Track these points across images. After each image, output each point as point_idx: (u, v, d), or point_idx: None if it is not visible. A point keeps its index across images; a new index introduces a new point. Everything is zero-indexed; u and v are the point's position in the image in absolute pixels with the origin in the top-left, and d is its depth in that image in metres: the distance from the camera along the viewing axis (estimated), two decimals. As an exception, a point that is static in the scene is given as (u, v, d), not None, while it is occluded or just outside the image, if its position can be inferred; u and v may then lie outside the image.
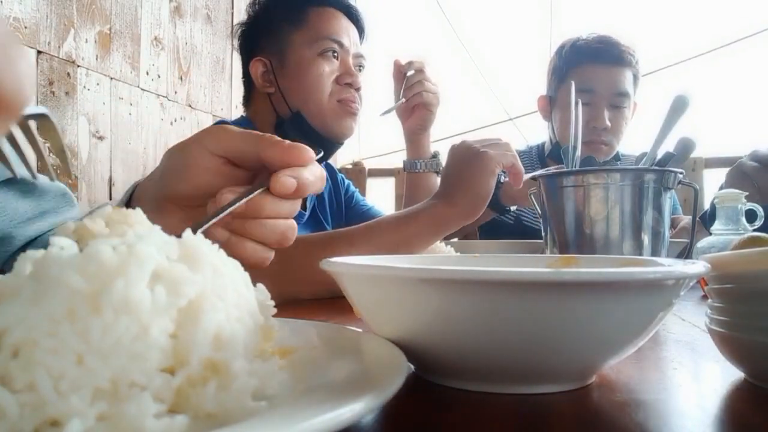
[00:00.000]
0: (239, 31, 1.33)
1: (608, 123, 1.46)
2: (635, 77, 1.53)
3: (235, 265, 0.28)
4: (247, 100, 1.33)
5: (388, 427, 0.28)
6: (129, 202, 0.49)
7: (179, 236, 0.26)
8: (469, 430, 0.27)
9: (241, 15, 2.38)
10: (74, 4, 1.62)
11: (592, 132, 1.46)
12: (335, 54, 1.21)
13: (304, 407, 0.23)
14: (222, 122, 1.36)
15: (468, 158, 0.88)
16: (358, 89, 1.24)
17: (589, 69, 1.49)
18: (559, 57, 1.58)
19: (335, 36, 1.21)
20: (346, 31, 1.24)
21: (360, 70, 1.27)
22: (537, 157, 1.61)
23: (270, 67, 1.24)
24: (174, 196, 0.44)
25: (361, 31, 1.29)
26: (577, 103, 0.87)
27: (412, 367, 0.36)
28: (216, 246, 0.27)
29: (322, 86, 1.20)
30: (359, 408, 0.21)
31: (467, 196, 0.83)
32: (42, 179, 0.65)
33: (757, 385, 0.34)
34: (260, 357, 0.27)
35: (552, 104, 1.59)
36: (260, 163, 0.41)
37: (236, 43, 1.34)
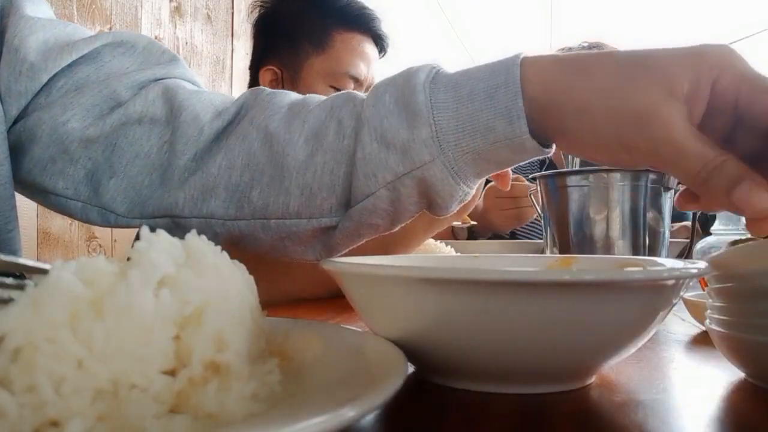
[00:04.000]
0: (257, 20, 1.24)
1: None
2: None
3: (238, 268, 0.28)
4: None
5: (388, 427, 0.28)
6: None
7: None
8: (469, 430, 0.27)
9: (241, 15, 2.38)
10: (74, 4, 1.62)
11: None
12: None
13: (304, 407, 0.23)
14: None
15: None
16: None
17: None
18: None
19: (354, 73, 1.15)
20: (368, 63, 1.18)
21: None
22: (538, 160, 1.61)
23: (281, 80, 1.19)
24: None
25: (382, 51, 1.22)
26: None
27: (412, 367, 0.36)
28: (218, 248, 0.27)
29: None
30: (359, 408, 0.21)
31: None
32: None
33: (757, 385, 0.34)
34: (261, 358, 0.27)
35: None
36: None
37: (251, 25, 1.26)
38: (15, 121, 0.48)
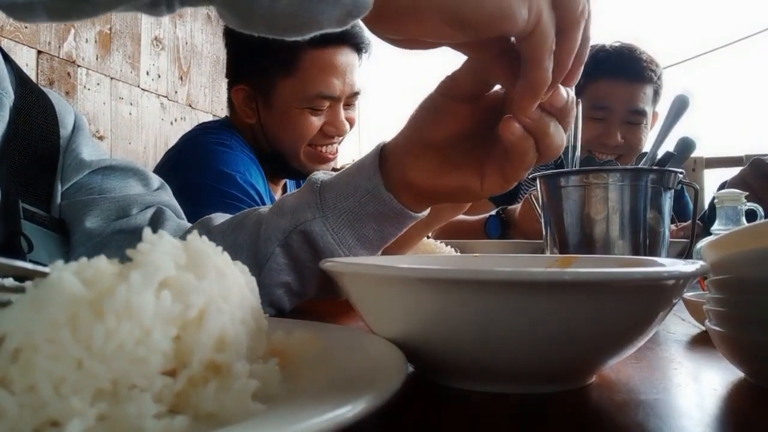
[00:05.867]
0: (224, 32, 1.23)
1: (620, 140, 1.41)
2: (656, 92, 1.46)
3: (239, 269, 0.28)
4: (231, 108, 1.25)
5: (388, 427, 0.28)
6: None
7: None
8: (469, 430, 0.27)
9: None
10: (74, 4, 1.61)
11: (602, 147, 1.42)
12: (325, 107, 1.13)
13: (304, 407, 0.23)
14: (206, 125, 1.30)
15: None
16: (342, 135, 1.18)
17: (606, 84, 1.41)
18: None
19: (327, 92, 1.11)
20: (344, 74, 1.12)
21: (353, 102, 1.19)
22: None
23: (254, 99, 1.16)
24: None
25: (364, 52, 1.17)
26: (578, 103, 0.87)
27: (412, 367, 0.36)
28: (220, 248, 0.27)
29: (304, 138, 1.14)
30: (359, 408, 0.21)
31: None
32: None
33: (757, 385, 0.34)
34: (261, 358, 0.27)
35: None
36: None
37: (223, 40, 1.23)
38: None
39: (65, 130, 0.68)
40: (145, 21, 1.87)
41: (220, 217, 0.65)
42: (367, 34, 1.12)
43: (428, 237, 0.84)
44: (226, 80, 1.24)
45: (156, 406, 0.22)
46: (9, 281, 0.28)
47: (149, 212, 0.67)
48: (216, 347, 0.24)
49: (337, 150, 1.21)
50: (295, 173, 1.22)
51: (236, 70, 1.18)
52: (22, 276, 0.27)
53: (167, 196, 0.71)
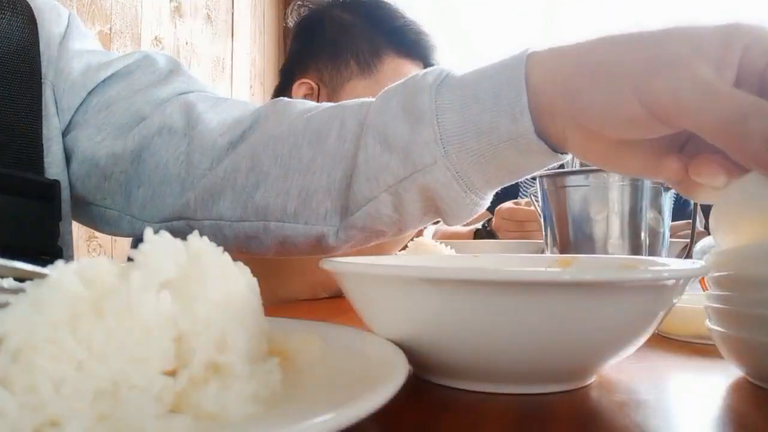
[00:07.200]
0: (299, 21, 1.11)
1: None
2: None
3: (240, 269, 0.28)
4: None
5: (388, 427, 0.28)
6: None
7: None
8: (469, 430, 0.27)
9: (241, 15, 2.38)
10: (74, 4, 1.62)
11: None
12: None
13: (304, 407, 0.23)
14: None
15: None
16: None
17: None
18: None
19: None
20: None
21: None
22: None
23: (316, 96, 1.06)
24: None
25: None
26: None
27: (412, 367, 0.36)
28: (221, 249, 0.27)
29: None
30: (359, 408, 0.21)
31: None
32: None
33: (757, 385, 0.34)
34: (261, 358, 0.27)
35: None
36: None
37: (293, 20, 1.11)
38: (62, 136, 0.53)
39: (51, 38, 0.53)
40: (145, 21, 1.87)
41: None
42: (437, 57, 1.05)
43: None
44: (282, 72, 1.13)
45: (156, 406, 0.22)
46: (8, 282, 0.28)
47: (176, 102, 0.53)
48: (216, 348, 0.24)
49: None
50: None
51: (304, 59, 1.09)
52: (21, 277, 0.27)
53: (179, 82, 0.56)
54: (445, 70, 0.41)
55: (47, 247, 0.50)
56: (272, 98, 1.15)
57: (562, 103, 0.35)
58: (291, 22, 1.14)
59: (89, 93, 0.53)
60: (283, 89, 1.13)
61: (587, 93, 0.34)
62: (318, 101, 1.05)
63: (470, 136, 0.38)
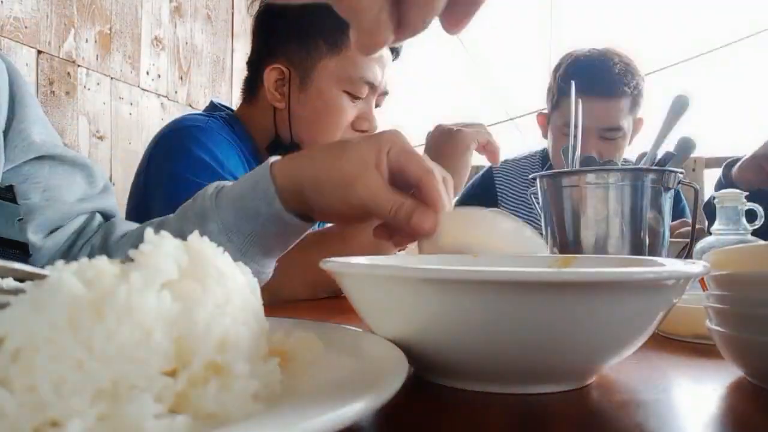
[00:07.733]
0: (260, 12, 1.12)
1: (595, 156, 1.39)
2: (634, 103, 1.40)
3: (240, 270, 0.28)
4: (248, 99, 1.14)
5: (388, 427, 0.28)
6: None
7: None
8: (469, 430, 0.27)
9: (241, 15, 2.38)
10: (74, 4, 1.62)
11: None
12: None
13: (304, 407, 0.23)
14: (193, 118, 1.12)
15: (444, 138, 0.91)
16: (372, 131, 1.10)
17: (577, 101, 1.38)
18: (554, 78, 1.47)
19: (371, 78, 1.05)
20: (383, 67, 1.08)
21: (381, 104, 1.14)
22: (540, 161, 1.58)
23: (287, 80, 1.06)
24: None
25: (396, 54, 1.13)
26: (577, 102, 0.87)
27: (412, 367, 0.36)
28: (221, 249, 0.27)
29: (336, 130, 1.06)
30: (359, 408, 0.21)
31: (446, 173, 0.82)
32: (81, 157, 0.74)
33: (757, 385, 0.34)
34: (261, 358, 0.27)
35: (548, 124, 1.51)
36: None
37: (252, 12, 1.13)
38: None
39: None
40: (145, 21, 1.87)
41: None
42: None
43: None
44: (248, 64, 1.15)
45: (156, 406, 0.22)
46: (8, 282, 0.28)
47: (95, 221, 0.72)
48: (217, 348, 0.24)
49: None
50: None
51: (272, 47, 1.09)
52: (21, 278, 0.27)
53: (109, 200, 0.75)
54: (218, 184, 0.59)
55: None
56: (242, 90, 1.16)
57: (298, 197, 0.54)
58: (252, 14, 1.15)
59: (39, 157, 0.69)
60: (251, 81, 1.13)
61: (312, 200, 0.54)
62: (290, 85, 1.07)
63: (242, 221, 0.55)
